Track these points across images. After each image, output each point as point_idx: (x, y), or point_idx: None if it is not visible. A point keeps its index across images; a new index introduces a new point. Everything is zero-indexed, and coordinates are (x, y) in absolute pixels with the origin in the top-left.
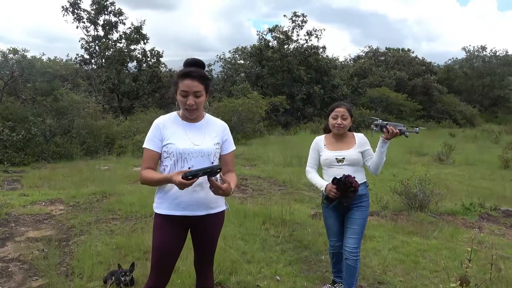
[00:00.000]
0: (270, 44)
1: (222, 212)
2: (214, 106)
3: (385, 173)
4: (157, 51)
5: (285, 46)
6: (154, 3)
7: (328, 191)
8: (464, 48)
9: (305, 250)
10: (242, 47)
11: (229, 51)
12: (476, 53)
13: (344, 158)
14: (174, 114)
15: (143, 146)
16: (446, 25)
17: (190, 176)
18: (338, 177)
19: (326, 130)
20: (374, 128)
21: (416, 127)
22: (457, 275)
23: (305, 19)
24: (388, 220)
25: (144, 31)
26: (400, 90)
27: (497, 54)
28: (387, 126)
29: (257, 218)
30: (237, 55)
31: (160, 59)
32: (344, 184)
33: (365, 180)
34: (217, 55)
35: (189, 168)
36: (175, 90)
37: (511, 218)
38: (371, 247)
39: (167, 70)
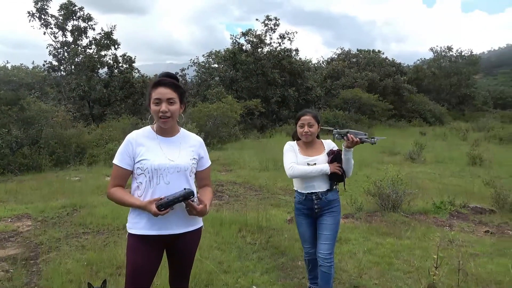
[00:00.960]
0: (244, 47)
1: (199, 229)
2: (188, 111)
3: (359, 174)
4: (129, 56)
5: (259, 50)
6: (126, 7)
7: (334, 168)
8: (431, 49)
9: (281, 256)
10: (215, 51)
11: (203, 55)
12: (443, 53)
13: (315, 163)
14: (148, 129)
15: (113, 161)
16: (414, 26)
17: (163, 208)
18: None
19: (295, 137)
20: (336, 135)
21: (373, 138)
22: (425, 283)
23: (277, 22)
24: (363, 221)
25: (115, 36)
26: (372, 91)
27: (463, 54)
28: (348, 134)
29: (233, 225)
30: (211, 59)
31: (133, 64)
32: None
33: (335, 185)
34: (191, 59)
35: (161, 198)
36: (149, 102)
37: (480, 215)
38: (346, 250)
39: (140, 75)
